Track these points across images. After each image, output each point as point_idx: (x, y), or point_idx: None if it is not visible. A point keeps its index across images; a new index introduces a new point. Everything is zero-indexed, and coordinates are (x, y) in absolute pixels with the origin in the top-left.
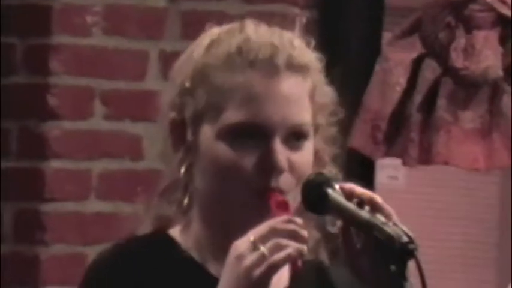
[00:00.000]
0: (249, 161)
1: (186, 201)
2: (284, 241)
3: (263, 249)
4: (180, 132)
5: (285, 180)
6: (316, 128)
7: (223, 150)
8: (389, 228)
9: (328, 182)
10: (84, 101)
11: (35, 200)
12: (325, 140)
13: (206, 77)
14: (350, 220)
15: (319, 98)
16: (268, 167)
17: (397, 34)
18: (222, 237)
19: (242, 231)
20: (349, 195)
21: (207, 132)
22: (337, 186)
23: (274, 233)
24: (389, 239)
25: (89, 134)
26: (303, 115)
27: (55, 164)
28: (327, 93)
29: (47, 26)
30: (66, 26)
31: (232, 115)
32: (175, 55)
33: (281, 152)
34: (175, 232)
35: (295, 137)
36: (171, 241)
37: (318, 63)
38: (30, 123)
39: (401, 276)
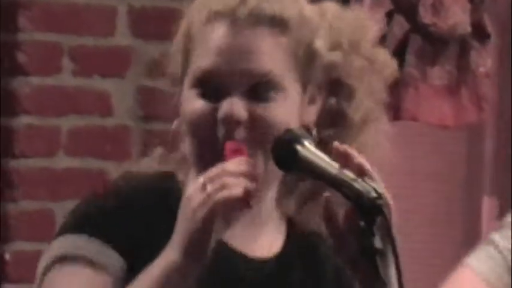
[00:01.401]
0: (208, 111)
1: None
2: (231, 180)
3: (209, 189)
4: (176, 91)
5: (242, 134)
6: (342, 88)
7: (190, 97)
8: (358, 184)
9: (298, 139)
10: (53, 57)
11: (4, 156)
12: (356, 100)
13: (187, 32)
14: (319, 177)
15: (323, 55)
16: (222, 118)
17: None
18: None
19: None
20: (341, 159)
21: (185, 83)
22: (306, 143)
23: (224, 173)
24: (358, 195)
25: (58, 90)
26: (267, 66)
27: (24, 120)
28: (342, 51)
29: None
30: None
31: (196, 63)
32: (144, 11)
33: (237, 103)
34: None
35: (261, 89)
36: (178, 183)
37: (307, 18)
38: None
39: (370, 232)
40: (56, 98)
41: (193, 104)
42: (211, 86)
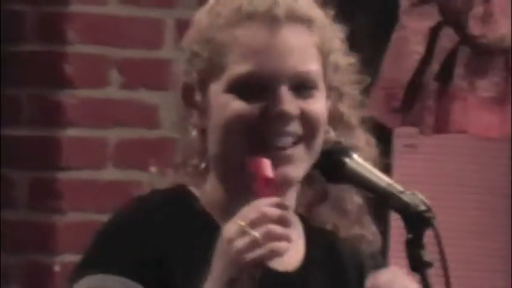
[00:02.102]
0: (256, 110)
1: (202, 165)
2: (276, 228)
3: (255, 234)
4: (191, 96)
5: (293, 130)
6: (339, 91)
7: (229, 101)
8: (407, 197)
9: (346, 151)
10: (100, 70)
11: (51, 168)
12: (349, 104)
13: (210, 37)
14: (367, 189)
15: (334, 58)
16: (275, 114)
17: (414, 2)
18: (234, 196)
19: (246, 189)
20: None
21: (214, 90)
22: (354, 155)
23: (264, 217)
24: (406, 207)
25: (104, 103)
26: (308, 64)
27: (70, 132)
28: (343, 55)
29: None
30: None
31: (235, 68)
32: (191, 23)
33: (289, 99)
34: (194, 190)
35: (304, 86)
36: (191, 195)
37: (326, 20)
38: (45, 92)
39: (418, 244)
40: (102, 110)
41: (235, 105)
42: (253, 87)
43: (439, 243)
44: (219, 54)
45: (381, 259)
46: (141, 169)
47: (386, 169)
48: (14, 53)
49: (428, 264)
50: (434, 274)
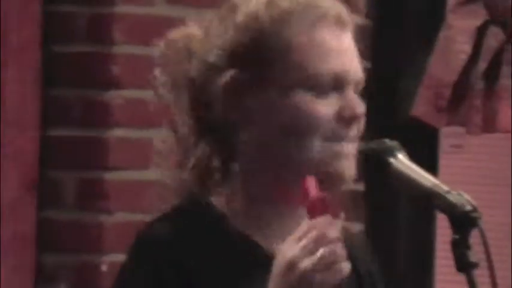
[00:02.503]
0: (328, 110)
1: (233, 167)
2: (338, 249)
3: (320, 254)
4: (239, 92)
5: (357, 129)
6: None
7: (303, 101)
8: (452, 197)
9: (391, 151)
10: (146, 70)
11: (97, 168)
12: None
13: (280, 33)
14: (412, 189)
15: None
16: (348, 116)
17: (461, 1)
18: (270, 205)
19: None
20: None
21: (279, 87)
22: (399, 155)
23: (324, 238)
24: (452, 208)
25: (150, 103)
26: (361, 70)
27: (117, 132)
28: None
29: None
30: None
31: (315, 68)
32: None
33: (358, 101)
34: (216, 201)
35: (357, 88)
36: (216, 211)
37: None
38: (92, 92)
39: (465, 245)
40: (148, 110)
41: (318, 107)
42: (328, 88)
43: (485, 244)
44: (290, 51)
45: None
46: None
47: (433, 169)
48: (60, 54)
49: (475, 265)
50: (480, 274)
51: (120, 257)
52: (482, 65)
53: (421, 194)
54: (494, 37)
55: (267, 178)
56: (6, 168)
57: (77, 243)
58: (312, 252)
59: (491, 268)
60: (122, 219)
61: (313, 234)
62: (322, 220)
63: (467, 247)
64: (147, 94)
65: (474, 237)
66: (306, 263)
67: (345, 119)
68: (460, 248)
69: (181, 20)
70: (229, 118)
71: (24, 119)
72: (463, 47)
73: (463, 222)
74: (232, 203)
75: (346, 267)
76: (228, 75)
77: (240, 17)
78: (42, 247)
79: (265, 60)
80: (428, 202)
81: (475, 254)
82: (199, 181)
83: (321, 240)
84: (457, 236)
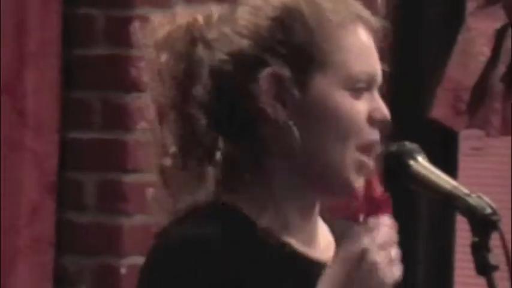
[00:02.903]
0: (363, 110)
1: (266, 162)
2: (399, 252)
3: (391, 252)
4: (281, 89)
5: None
6: None
7: (344, 101)
8: (472, 200)
9: (411, 153)
10: None
11: (118, 170)
12: None
13: (320, 29)
14: (432, 191)
15: None
16: (378, 118)
17: (480, 3)
18: (310, 200)
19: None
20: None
21: (321, 86)
22: (419, 158)
23: (391, 238)
24: (472, 210)
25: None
26: None
27: (137, 135)
28: None
29: None
30: None
31: (353, 67)
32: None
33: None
34: (241, 202)
35: (378, 90)
36: (240, 213)
37: None
38: (112, 95)
39: (485, 247)
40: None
41: (357, 106)
42: (360, 88)
43: (504, 247)
44: (333, 50)
45: None
46: None
47: (452, 172)
48: (80, 57)
49: (495, 268)
50: (500, 277)
51: (138, 260)
52: (501, 67)
53: (441, 197)
54: None
55: (300, 179)
56: (26, 171)
57: (96, 246)
58: (383, 247)
59: (511, 271)
60: (141, 221)
61: (384, 230)
62: (388, 219)
63: (488, 250)
64: None
65: (494, 240)
66: (380, 256)
67: (375, 121)
68: (480, 250)
69: None
70: (270, 115)
71: (44, 122)
72: (482, 50)
73: (483, 225)
74: (261, 205)
75: (401, 269)
76: (269, 71)
77: (276, 11)
78: (62, 249)
79: (305, 57)
80: (448, 204)
81: (495, 256)
82: (224, 179)
83: (390, 238)
84: (477, 239)
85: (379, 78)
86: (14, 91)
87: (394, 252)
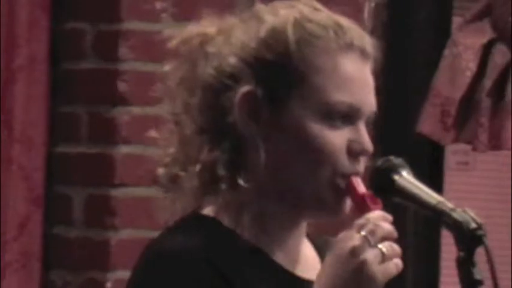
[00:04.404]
0: (340, 141)
1: (240, 181)
2: (395, 246)
3: (381, 247)
4: (254, 107)
5: (363, 165)
6: None
7: (316, 128)
8: (458, 214)
9: (396, 169)
10: (152, 87)
11: (105, 185)
12: None
13: (302, 55)
14: (417, 206)
15: None
16: (358, 151)
17: (467, 19)
18: (282, 220)
19: (312, 214)
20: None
21: (295, 109)
22: (404, 173)
23: (382, 231)
24: (458, 225)
25: (158, 120)
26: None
27: (125, 149)
28: None
29: (117, 12)
30: (136, 12)
31: (331, 95)
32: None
33: (367, 136)
34: (209, 212)
35: (369, 121)
36: (222, 226)
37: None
38: (99, 109)
39: (470, 262)
40: (156, 127)
41: (329, 137)
42: (340, 117)
43: (490, 261)
44: (312, 74)
45: None
46: None
47: (439, 186)
48: (68, 71)
49: (480, 282)
50: None
51: (125, 274)
52: (488, 82)
53: (426, 212)
54: (501, 55)
55: (276, 197)
56: (14, 185)
57: (83, 260)
58: (372, 244)
59: (496, 285)
60: (128, 236)
61: (371, 226)
62: (376, 214)
63: (473, 264)
64: (153, 110)
65: (479, 255)
66: (368, 254)
67: (353, 152)
68: (465, 265)
69: None
70: (242, 130)
71: (32, 136)
72: (469, 65)
73: (469, 239)
74: (239, 216)
75: (400, 263)
76: (246, 88)
77: (264, 32)
78: (50, 264)
79: (285, 80)
80: (433, 219)
81: (481, 271)
82: (203, 189)
83: (379, 234)
84: (462, 254)
85: (366, 110)
86: (2, 105)
87: (389, 247)
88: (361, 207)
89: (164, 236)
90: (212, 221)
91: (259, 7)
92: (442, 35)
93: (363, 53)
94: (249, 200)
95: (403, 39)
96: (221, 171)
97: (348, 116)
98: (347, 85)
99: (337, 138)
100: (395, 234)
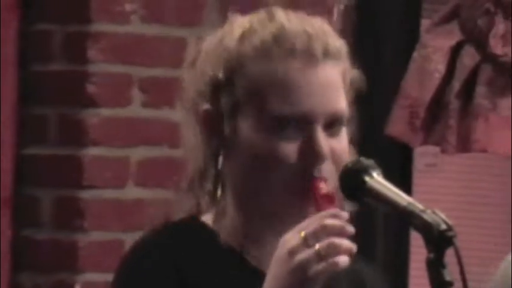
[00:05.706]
0: (291, 150)
1: (219, 192)
2: (337, 240)
3: (317, 246)
4: (215, 124)
5: (327, 169)
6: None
7: (264, 141)
8: (427, 216)
9: (367, 170)
10: (122, 89)
11: (74, 187)
12: (349, 123)
13: (242, 67)
14: (387, 207)
15: (348, 80)
16: (311, 156)
17: (435, 21)
18: (260, 226)
19: (283, 220)
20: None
21: (245, 123)
22: (374, 174)
23: (324, 229)
24: (427, 226)
25: (127, 122)
26: (341, 101)
27: (94, 151)
28: (355, 75)
29: (86, 13)
30: (105, 14)
31: (275, 106)
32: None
33: (323, 140)
34: (207, 219)
35: (334, 124)
36: (207, 228)
37: (346, 47)
38: (68, 111)
39: (440, 264)
40: (125, 129)
41: (273, 146)
42: (289, 126)
43: (460, 263)
44: (255, 88)
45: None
46: (164, 188)
47: (407, 188)
48: (37, 73)
49: (450, 284)
50: None
51: (94, 276)
52: (456, 84)
53: (396, 213)
54: (469, 57)
55: (247, 207)
56: None
57: (51, 262)
58: (309, 244)
59: (465, 287)
60: (97, 238)
61: (313, 226)
62: (325, 213)
63: (443, 266)
64: (123, 112)
65: (449, 256)
66: (303, 255)
67: (305, 158)
68: (435, 267)
69: (157, 39)
70: (208, 147)
71: (1, 137)
72: (437, 67)
73: (438, 241)
74: (220, 222)
75: (344, 260)
76: (205, 107)
77: (220, 50)
78: (18, 265)
79: (233, 97)
80: (403, 220)
81: (451, 273)
82: (195, 200)
83: (320, 233)
84: (432, 255)
85: (320, 113)
86: None
87: (327, 246)
88: (318, 208)
89: (143, 236)
90: (196, 222)
91: (227, 23)
92: (411, 37)
93: (309, 57)
94: (228, 209)
95: (372, 41)
96: (208, 186)
97: (298, 123)
98: (291, 95)
99: (286, 147)
100: (347, 230)
